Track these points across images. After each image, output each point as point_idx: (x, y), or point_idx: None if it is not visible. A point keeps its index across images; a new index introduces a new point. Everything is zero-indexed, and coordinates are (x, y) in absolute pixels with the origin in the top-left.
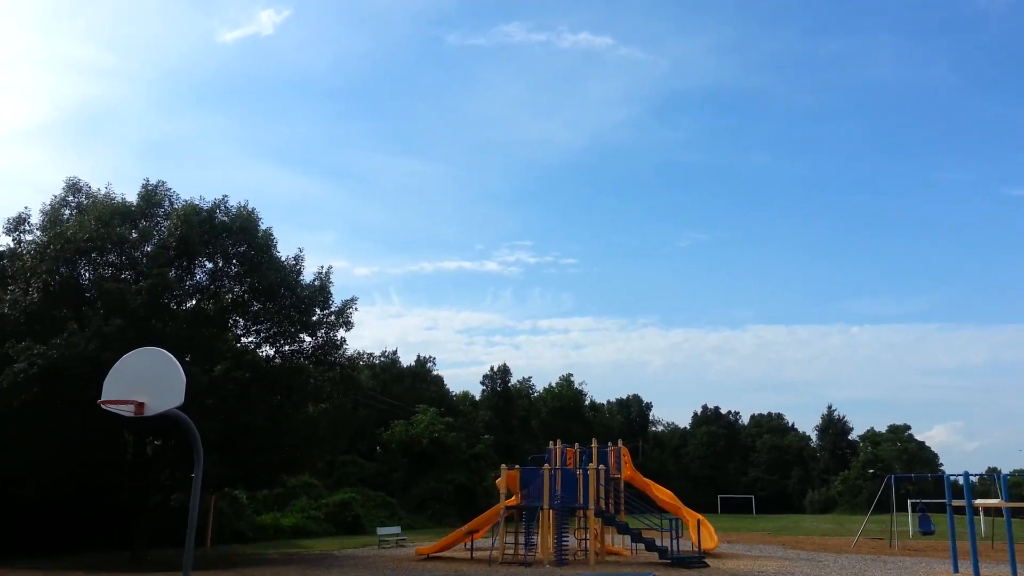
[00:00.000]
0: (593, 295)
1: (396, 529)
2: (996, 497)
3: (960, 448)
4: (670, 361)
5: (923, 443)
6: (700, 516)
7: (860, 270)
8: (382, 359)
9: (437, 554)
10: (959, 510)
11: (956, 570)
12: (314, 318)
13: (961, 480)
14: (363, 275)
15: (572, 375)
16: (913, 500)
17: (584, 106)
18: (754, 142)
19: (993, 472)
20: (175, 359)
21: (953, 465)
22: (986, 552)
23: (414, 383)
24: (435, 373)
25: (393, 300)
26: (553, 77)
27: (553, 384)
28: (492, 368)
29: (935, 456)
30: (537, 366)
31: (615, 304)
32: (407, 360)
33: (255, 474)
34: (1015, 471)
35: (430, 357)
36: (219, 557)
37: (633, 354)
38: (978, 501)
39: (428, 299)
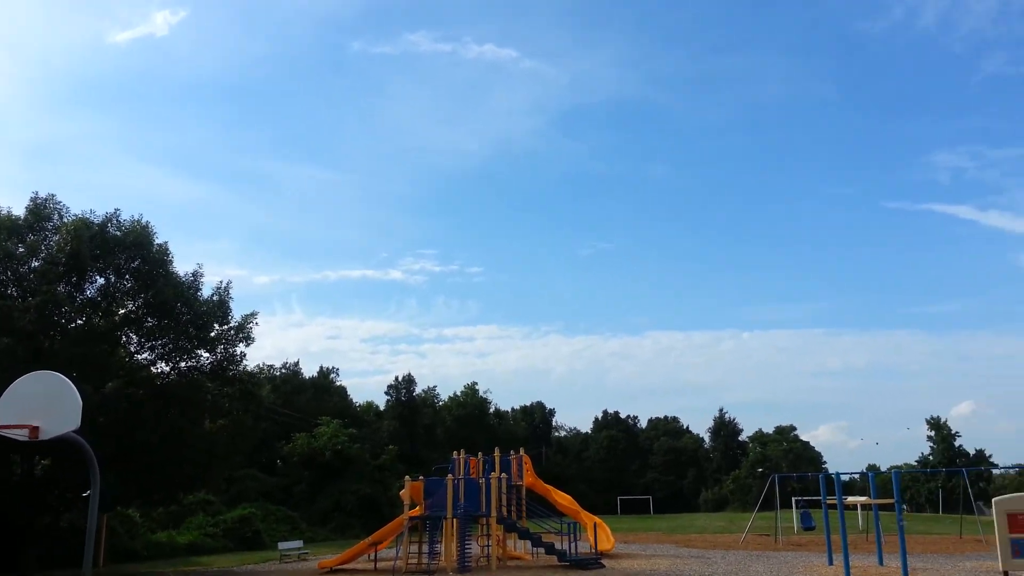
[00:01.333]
0: (498, 303)
1: (298, 543)
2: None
3: (843, 447)
4: (572, 368)
5: (807, 443)
6: (597, 519)
7: (752, 278)
8: (283, 371)
9: (340, 567)
10: (833, 506)
11: (831, 563)
12: (212, 333)
13: (844, 477)
14: (263, 283)
15: (477, 383)
16: (797, 497)
17: (489, 116)
18: (653, 154)
19: (872, 469)
20: (71, 383)
21: (836, 463)
22: (861, 544)
23: (316, 394)
24: (338, 384)
25: (295, 309)
26: (459, 87)
27: (458, 392)
28: (397, 378)
29: (819, 455)
30: (442, 374)
31: (519, 312)
32: (309, 371)
33: (151, 492)
34: (892, 467)
35: (333, 368)
36: None
37: (537, 361)
38: (849, 498)
39: (331, 308)
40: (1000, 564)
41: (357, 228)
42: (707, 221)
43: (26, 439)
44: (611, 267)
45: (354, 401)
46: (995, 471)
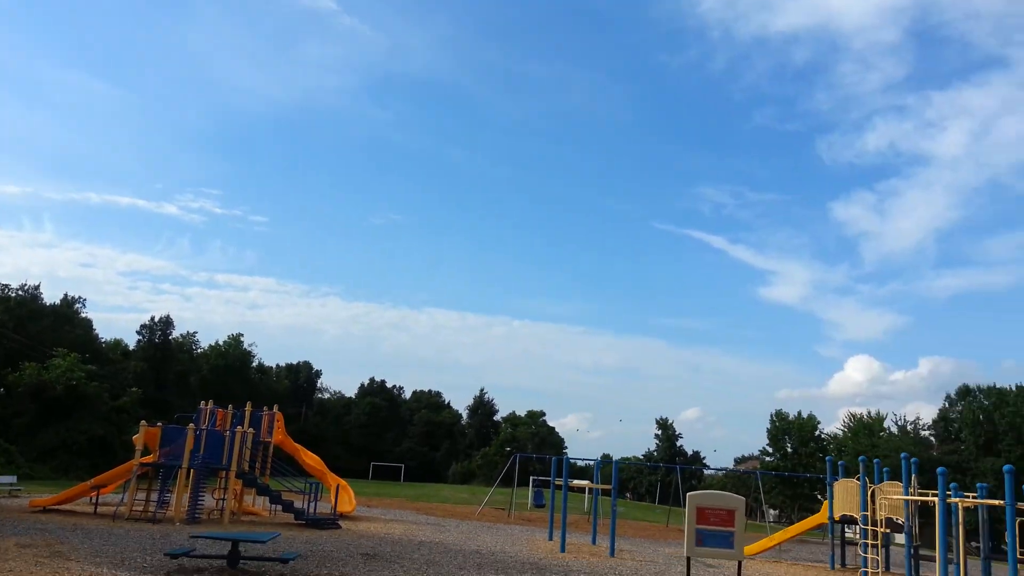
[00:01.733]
0: (279, 257)
1: (12, 478)
2: (603, 480)
3: (585, 435)
4: (347, 331)
5: (554, 428)
6: (342, 481)
7: (531, 271)
8: (20, 293)
9: (56, 507)
10: (561, 487)
11: (551, 538)
12: None
13: (581, 463)
14: (11, 193)
15: (243, 335)
16: (534, 477)
17: (299, 65)
18: (455, 137)
19: (606, 458)
20: None
21: (578, 450)
22: (582, 524)
23: (56, 323)
24: (84, 315)
25: (46, 228)
26: (273, 28)
27: (220, 342)
28: (153, 318)
29: (562, 440)
30: (207, 321)
31: (300, 269)
32: (52, 297)
33: None
34: (622, 459)
35: (80, 298)
36: None
37: (311, 320)
38: (575, 481)
39: (89, 233)
40: (685, 550)
41: (134, 153)
42: (498, 211)
43: None
44: (400, 240)
45: (99, 336)
46: (706, 471)
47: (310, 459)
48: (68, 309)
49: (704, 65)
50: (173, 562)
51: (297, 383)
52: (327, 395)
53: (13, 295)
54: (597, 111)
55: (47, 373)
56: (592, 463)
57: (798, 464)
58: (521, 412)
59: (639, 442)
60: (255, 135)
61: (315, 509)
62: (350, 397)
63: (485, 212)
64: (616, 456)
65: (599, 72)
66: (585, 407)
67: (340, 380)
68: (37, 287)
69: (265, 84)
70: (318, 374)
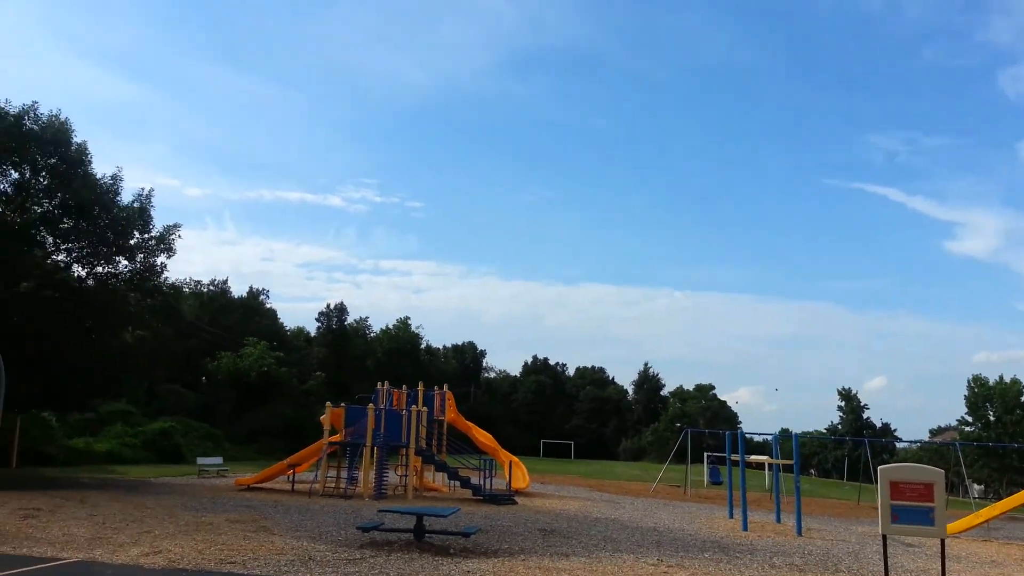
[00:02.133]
0: (437, 240)
1: (218, 460)
2: (784, 455)
3: (760, 409)
4: (507, 311)
5: (725, 402)
6: (514, 458)
7: (688, 239)
8: (212, 288)
9: (258, 485)
10: (739, 463)
11: (731, 516)
12: (132, 241)
13: (757, 438)
14: (195, 196)
15: (410, 318)
16: (708, 453)
17: (440, 48)
18: (598, 107)
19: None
20: None
21: (752, 424)
22: (764, 502)
23: (245, 315)
24: (268, 306)
25: (228, 226)
26: (412, 13)
27: (390, 326)
28: (329, 305)
29: (735, 415)
30: (377, 307)
31: (458, 251)
32: (239, 291)
33: (61, 395)
34: (803, 433)
35: (263, 289)
36: (25, 478)
37: (472, 301)
38: (752, 456)
39: (267, 228)
40: (880, 528)
41: (298, 149)
42: (647, 179)
43: None
44: (552, 215)
45: (284, 325)
46: (898, 444)
47: (483, 437)
48: (254, 301)
49: (858, 2)
50: (365, 535)
51: (464, 363)
52: (493, 374)
53: (206, 290)
54: (743, 62)
55: (241, 361)
56: (769, 438)
57: (1003, 433)
58: (689, 386)
59: (819, 416)
60: (404, 121)
61: (491, 485)
62: (515, 376)
63: (634, 181)
64: (795, 430)
65: (741, 20)
66: (757, 379)
67: (504, 359)
68: (225, 282)
69: (409, 71)
70: (483, 354)
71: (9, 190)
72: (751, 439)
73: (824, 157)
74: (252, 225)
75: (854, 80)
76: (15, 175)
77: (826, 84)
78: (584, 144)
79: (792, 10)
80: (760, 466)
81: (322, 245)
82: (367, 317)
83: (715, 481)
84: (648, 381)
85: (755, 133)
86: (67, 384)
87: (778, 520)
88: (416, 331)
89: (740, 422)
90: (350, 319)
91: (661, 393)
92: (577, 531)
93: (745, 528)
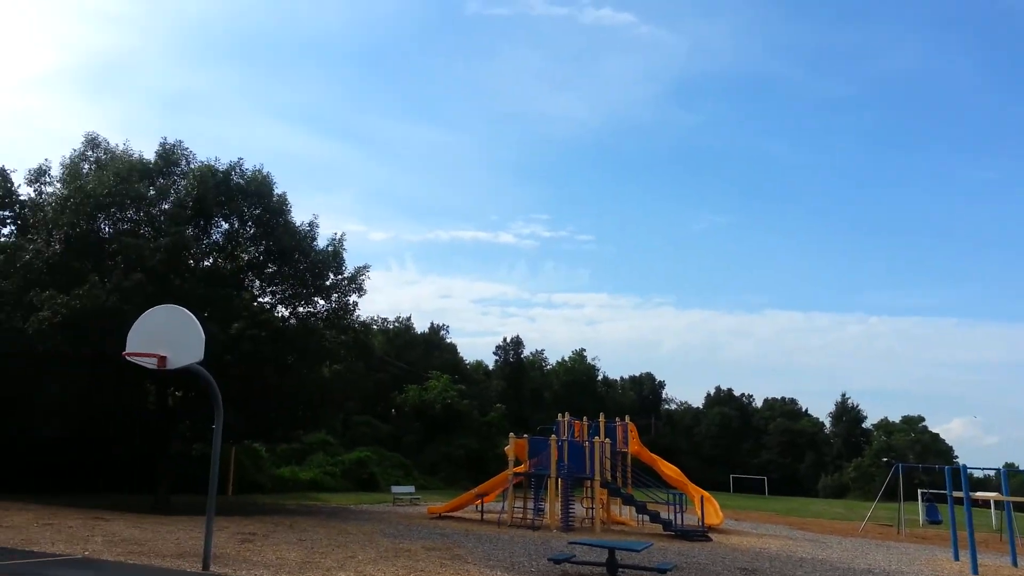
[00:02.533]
0: (608, 272)
1: (410, 488)
2: (1015, 491)
3: (978, 442)
4: (684, 341)
5: (937, 435)
6: (705, 492)
7: (880, 262)
8: (396, 325)
9: (448, 514)
10: (961, 501)
11: (956, 558)
12: (327, 282)
13: (977, 473)
14: (379, 240)
15: (585, 350)
16: (923, 490)
17: (602, 83)
18: (771, 129)
19: (1009, 467)
20: (194, 317)
21: (969, 458)
22: (993, 543)
23: (427, 350)
24: (449, 341)
25: (408, 266)
26: (573, 52)
27: (566, 358)
28: (505, 339)
29: (949, 448)
30: (551, 340)
31: (630, 282)
32: (421, 327)
33: (271, 429)
34: None
35: (443, 325)
36: (240, 505)
37: (647, 332)
38: (979, 493)
39: (443, 267)
40: None
41: (469, 190)
42: (831, 200)
43: (155, 367)
44: (726, 243)
45: (464, 359)
46: None
47: (669, 470)
48: (435, 336)
49: None
50: (556, 567)
51: (642, 395)
52: (673, 406)
53: (391, 327)
54: (930, 70)
55: (426, 394)
56: (991, 472)
57: None
58: (894, 418)
59: None
60: (569, 157)
61: (682, 520)
62: (697, 407)
63: (813, 202)
64: (1021, 464)
65: (925, 25)
66: (972, 410)
67: (684, 390)
68: (408, 319)
69: (572, 107)
70: (661, 385)
71: (221, 240)
72: (971, 474)
73: None
74: (430, 264)
75: None
76: (225, 226)
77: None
78: (753, 166)
79: (983, 8)
80: (986, 503)
81: (495, 281)
82: (543, 350)
83: (933, 520)
84: (847, 413)
85: (948, 144)
86: (274, 417)
87: (1014, 563)
88: (592, 363)
89: (956, 456)
90: (526, 352)
91: (863, 426)
92: (781, 571)
93: (975, 572)
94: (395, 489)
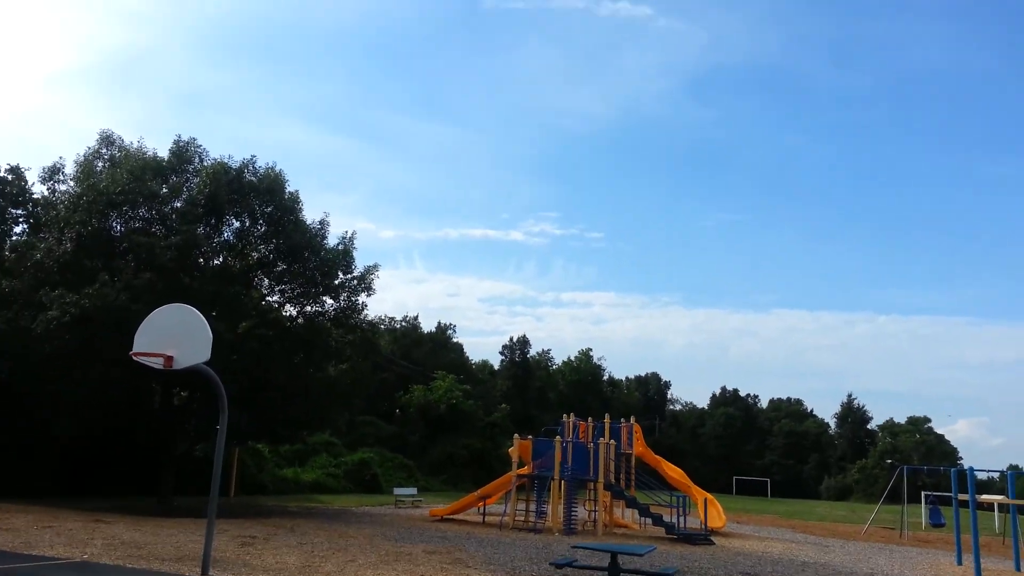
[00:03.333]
0: (617, 270)
1: (412, 490)
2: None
3: (984, 444)
4: (691, 341)
5: (943, 436)
6: (708, 495)
7: (890, 259)
8: (403, 324)
9: (450, 516)
10: (965, 503)
11: (959, 562)
12: (336, 281)
13: (981, 475)
14: (388, 238)
15: (591, 350)
16: (927, 492)
17: (618, 77)
18: (788, 123)
19: (1013, 469)
20: (202, 316)
21: (975, 460)
22: (996, 547)
23: (434, 349)
24: (455, 340)
25: (417, 265)
26: (589, 46)
27: (572, 358)
28: (512, 338)
29: (955, 450)
30: (557, 339)
31: (638, 281)
32: (428, 326)
33: (276, 429)
34: None
35: (450, 324)
36: (242, 506)
37: (654, 332)
38: (984, 496)
39: (451, 265)
40: None
41: (480, 187)
42: (842, 197)
43: (161, 367)
44: (735, 240)
45: (470, 358)
46: None
47: (673, 472)
48: (442, 336)
49: None
50: (558, 572)
51: (647, 395)
52: (679, 407)
53: (398, 326)
54: (954, 64)
55: (431, 394)
56: (995, 475)
57: None
58: (900, 419)
59: None
60: (583, 153)
61: (685, 524)
62: (702, 408)
63: (826, 198)
64: None
65: (951, 19)
66: (979, 411)
67: (690, 391)
68: (415, 318)
69: (587, 102)
70: (667, 385)
71: (231, 238)
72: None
73: None
74: (438, 263)
75: None
76: (236, 224)
77: None
78: (766, 162)
79: (1009, 3)
80: (990, 506)
81: (503, 279)
82: (549, 349)
83: (936, 523)
84: (853, 414)
85: (970, 139)
86: (279, 417)
87: (1017, 568)
88: (598, 363)
89: (961, 458)
90: (532, 352)
91: (868, 427)
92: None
93: (979, 575)
94: (397, 491)
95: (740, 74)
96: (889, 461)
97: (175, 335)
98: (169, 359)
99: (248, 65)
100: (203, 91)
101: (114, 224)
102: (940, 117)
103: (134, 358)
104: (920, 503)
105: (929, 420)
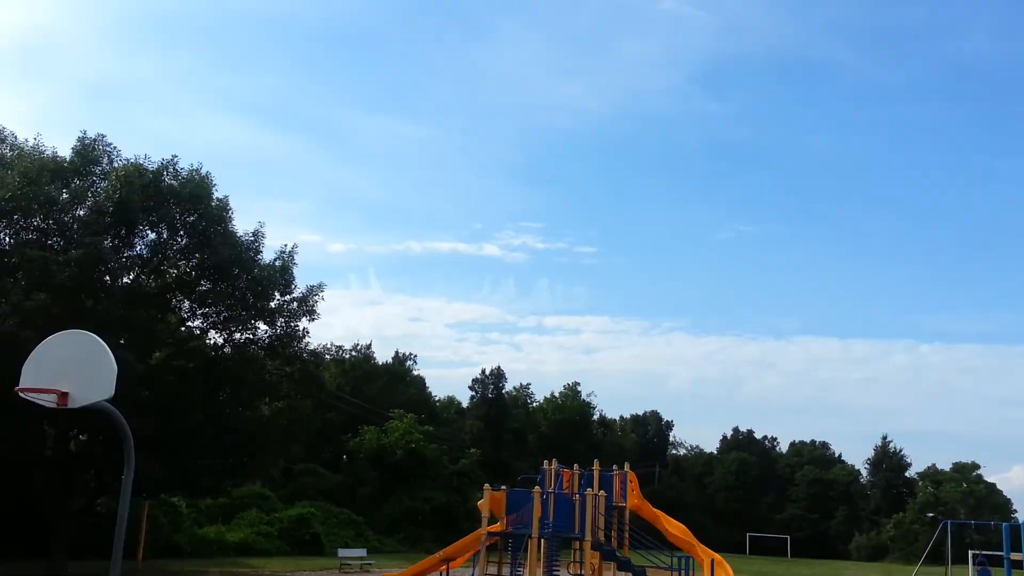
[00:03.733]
0: (612, 291)
1: (361, 551)
2: None
3: None
4: (700, 374)
5: (994, 485)
6: (716, 555)
7: (933, 278)
8: (353, 354)
9: None
10: (1018, 564)
11: None
12: (272, 304)
13: None
14: (338, 252)
15: (579, 384)
16: (974, 551)
17: (614, 69)
18: (814, 121)
19: None
20: (106, 345)
21: None
22: None
23: (390, 383)
24: (416, 373)
25: (371, 284)
26: (580, 32)
27: (556, 393)
28: (484, 371)
29: (1008, 501)
30: (540, 371)
31: (638, 303)
32: (383, 356)
33: (194, 480)
34: None
35: (410, 354)
36: (153, 572)
37: (655, 363)
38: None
39: (413, 285)
40: None
41: (449, 194)
42: (878, 207)
43: (54, 406)
44: (755, 256)
45: (433, 394)
46: None
47: (674, 528)
48: (400, 367)
49: None
50: None
51: (646, 437)
52: (683, 451)
53: (347, 357)
54: (1006, 52)
55: (386, 437)
56: None
57: None
58: (944, 465)
59: None
60: (573, 156)
61: None
62: (711, 452)
63: (861, 208)
64: None
65: (993, 2)
66: None
67: (697, 432)
68: (368, 347)
69: (578, 97)
70: (669, 425)
71: (145, 252)
72: None
73: None
74: (398, 281)
75: None
76: (152, 235)
77: None
78: (793, 167)
79: None
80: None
81: (476, 301)
82: (528, 384)
83: None
84: (888, 459)
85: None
86: (199, 465)
87: None
88: (587, 399)
89: (1015, 511)
90: (508, 386)
91: (906, 475)
92: None
93: None
94: (343, 552)
95: (758, 64)
96: (931, 515)
97: (71, 367)
98: (64, 396)
99: (172, 51)
100: (117, 81)
101: (2, 236)
102: (991, 114)
103: (21, 395)
104: (967, 564)
105: (979, 467)
